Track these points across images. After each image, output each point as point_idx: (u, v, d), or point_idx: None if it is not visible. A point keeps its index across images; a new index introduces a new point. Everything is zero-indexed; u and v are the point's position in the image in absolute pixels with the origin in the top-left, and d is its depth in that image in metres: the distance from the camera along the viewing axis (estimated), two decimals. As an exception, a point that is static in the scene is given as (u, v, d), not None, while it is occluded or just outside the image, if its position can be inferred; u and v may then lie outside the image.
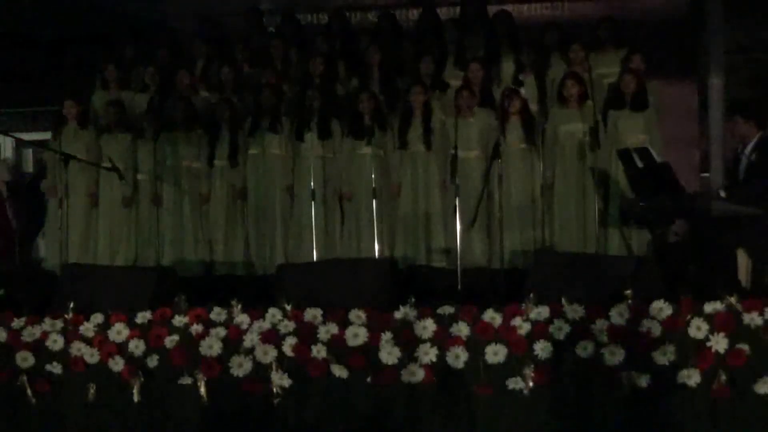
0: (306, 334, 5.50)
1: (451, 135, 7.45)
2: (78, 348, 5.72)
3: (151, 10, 10.03)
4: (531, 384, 5.19)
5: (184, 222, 8.14)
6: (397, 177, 7.89)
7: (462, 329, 5.33)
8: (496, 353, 5.27)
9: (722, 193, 6.38)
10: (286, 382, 5.48)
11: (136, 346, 5.66)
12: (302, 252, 7.83)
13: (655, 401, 5.09)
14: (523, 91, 7.66)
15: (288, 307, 5.59)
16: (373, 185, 7.63)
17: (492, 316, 5.34)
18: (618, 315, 5.15)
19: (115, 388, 5.68)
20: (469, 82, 7.88)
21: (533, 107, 7.87)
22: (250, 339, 5.55)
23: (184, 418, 5.61)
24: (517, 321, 5.28)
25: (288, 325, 5.55)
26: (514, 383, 5.23)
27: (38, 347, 5.80)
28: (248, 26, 9.25)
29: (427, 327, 5.38)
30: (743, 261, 6.38)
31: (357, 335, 5.44)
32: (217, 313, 5.66)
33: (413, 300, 5.48)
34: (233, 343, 5.57)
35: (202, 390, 5.53)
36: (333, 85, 8.37)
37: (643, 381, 5.08)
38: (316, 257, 7.61)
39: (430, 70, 8.13)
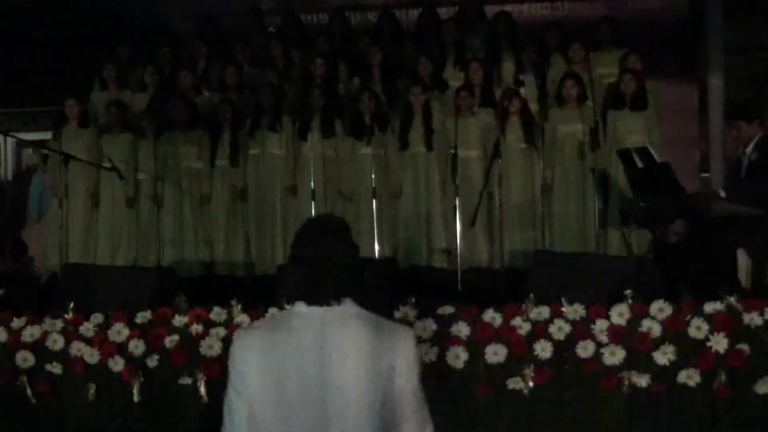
0: (306, 334, 5.48)
1: (451, 135, 7.44)
2: (78, 348, 5.70)
3: (151, 10, 10.03)
4: (531, 384, 5.19)
5: (184, 222, 8.13)
6: (397, 178, 7.89)
7: (462, 329, 5.31)
8: (496, 353, 5.25)
9: (722, 193, 6.37)
10: (286, 381, 5.47)
11: (136, 346, 5.63)
12: (302, 252, 7.81)
13: (655, 401, 5.08)
14: (523, 91, 7.66)
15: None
16: (373, 185, 7.63)
17: (492, 316, 5.32)
18: (618, 315, 5.14)
19: (115, 388, 5.65)
20: (470, 82, 7.88)
21: (533, 107, 7.87)
22: (250, 339, 5.53)
23: (184, 418, 5.59)
24: (517, 321, 5.27)
25: (288, 325, 5.53)
26: (514, 383, 5.22)
27: (38, 347, 5.77)
28: (248, 26, 9.25)
29: (427, 327, 5.36)
30: (743, 261, 6.37)
31: (357, 335, 5.42)
32: (217, 313, 5.63)
33: (413, 300, 5.46)
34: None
35: (202, 390, 5.51)
36: (334, 85, 8.37)
37: (643, 381, 5.08)
38: (316, 257, 7.59)
39: (427, 71, 8.13)
